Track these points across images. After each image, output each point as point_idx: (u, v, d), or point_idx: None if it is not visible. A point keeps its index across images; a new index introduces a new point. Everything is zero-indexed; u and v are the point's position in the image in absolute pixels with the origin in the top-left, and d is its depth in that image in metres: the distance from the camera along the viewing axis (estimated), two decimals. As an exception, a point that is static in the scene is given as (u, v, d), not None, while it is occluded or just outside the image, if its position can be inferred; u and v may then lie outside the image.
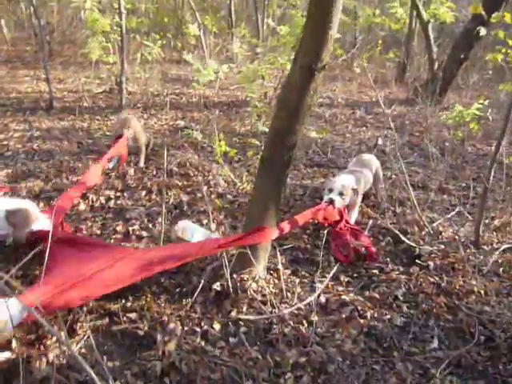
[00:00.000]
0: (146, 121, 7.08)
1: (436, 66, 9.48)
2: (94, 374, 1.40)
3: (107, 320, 2.80)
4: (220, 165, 5.01)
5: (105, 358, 2.51)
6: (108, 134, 6.24)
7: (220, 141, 4.88)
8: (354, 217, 4.21)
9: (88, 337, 2.59)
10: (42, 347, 2.51)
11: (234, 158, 5.42)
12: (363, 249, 3.65)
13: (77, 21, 12.49)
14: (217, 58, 10.51)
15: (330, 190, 3.93)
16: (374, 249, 3.71)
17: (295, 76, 2.76)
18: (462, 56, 8.49)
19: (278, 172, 3.01)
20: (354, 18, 14.47)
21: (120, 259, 2.97)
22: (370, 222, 4.21)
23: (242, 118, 7.40)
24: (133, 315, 2.83)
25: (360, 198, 4.23)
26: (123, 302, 2.95)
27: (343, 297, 3.18)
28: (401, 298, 3.22)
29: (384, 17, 13.12)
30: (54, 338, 2.52)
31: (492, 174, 3.71)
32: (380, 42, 12.52)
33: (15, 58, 11.17)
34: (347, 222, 3.92)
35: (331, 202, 3.85)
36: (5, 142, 5.69)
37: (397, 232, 3.84)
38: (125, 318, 2.80)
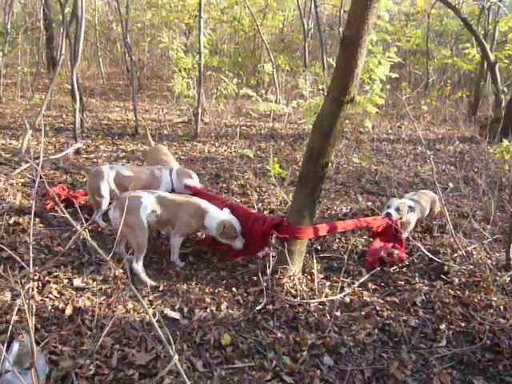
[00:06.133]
0: (217, 148, 7.89)
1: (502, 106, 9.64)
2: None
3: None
4: (274, 185, 5.61)
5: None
6: (182, 157, 7.09)
7: (275, 164, 5.48)
8: (405, 234, 4.68)
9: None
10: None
11: (287, 181, 5.99)
12: (396, 255, 4.22)
13: (164, 59, 13.86)
14: (288, 95, 11.31)
15: (389, 207, 4.52)
16: (404, 255, 4.28)
17: (327, 106, 3.34)
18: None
19: (312, 186, 3.56)
20: (428, 59, 14.81)
21: None
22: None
23: (303, 148, 7.99)
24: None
25: (414, 221, 4.74)
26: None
27: (365, 298, 3.62)
28: (419, 304, 3.60)
29: (456, 58, 13.38)
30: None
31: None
32: (449, 81, 12.73)
33: (109, 91, 12.61)
34: (396, 231, 4.41)
35: (388, 215, 4.41)
36: (94, 160, 6.67)
37: (423, 250, 4.20)
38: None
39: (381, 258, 4.20)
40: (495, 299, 3.69)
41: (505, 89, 10.66)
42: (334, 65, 8.32)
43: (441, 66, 14.79)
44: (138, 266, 3.74)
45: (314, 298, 3.54)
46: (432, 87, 14.39)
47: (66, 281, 3.59)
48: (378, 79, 6.93)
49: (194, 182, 4.79)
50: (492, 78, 10.30)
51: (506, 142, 5.61)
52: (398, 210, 4.43)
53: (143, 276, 3.72)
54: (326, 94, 7.57)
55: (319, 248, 4.47)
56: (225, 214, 3.98)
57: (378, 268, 4.11)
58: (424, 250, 4.18)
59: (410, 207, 4.53)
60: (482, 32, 12.07)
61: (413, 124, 9.68)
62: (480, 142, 8.59)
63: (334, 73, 3.29)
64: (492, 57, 10.02)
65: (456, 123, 11.17)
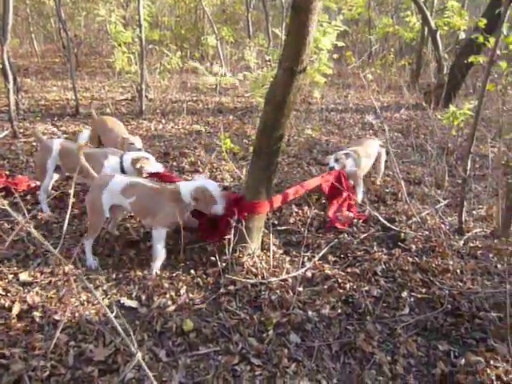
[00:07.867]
0: (164, 125, 7.61)
1: (444, 73, 9.81)
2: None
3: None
4: (226, 161, 5.46)
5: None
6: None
7: (226, 139, 5.33)
8: (359, 195, 4.91)
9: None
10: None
11: (239, 156, 5.86)
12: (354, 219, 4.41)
13: (103, 33, 13.22)
14: (234, 67, 11.07)
15: (327, 164, 4.76)
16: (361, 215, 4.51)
17: (280, 76, 3.20)
18: (465, 63, 8.74)
19: (267, 160, 3.45)
20: (370, 28, 14.89)
21: None
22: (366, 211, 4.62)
23: (253, 122, 7.86)
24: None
25: (362, 174, 4.94)
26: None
27: (327, 271, 3.58)
28: (379, 274, 3.60)
29: (397, 26, 13.50)
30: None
31: (469, 165, 4.05)
32: (392, 49, 12.85)
33: (44, 70, 11.91)
34: (349, 197, 4.60)
35: (331, 168, 4.62)
36: (34, 144, 6.27)
37: (381, 219, 4.21)
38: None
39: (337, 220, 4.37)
40: (451, 263, 3.74)
41: (446, 55, 10.83)
42: (280, 35, 8.16)
43: (383, 35, 14.88)
44: (85, 243, 3.58)
45: (275, 275, 3.47)
46: (375, 56, 14.52)
47: (11, 276, 3.33)
48: (325, 48, 6.85)
49: (156, 166, 4.24)
50: (433, 45, 10.44)
51: (452, 108, 5.67)
52: (336, 160, 4.64)
53: (87, 254, 3.59)
54: (272, 65, 7.48)
55: (276, 223, 4.39)
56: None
57: (336, 240, 4.09)
58: (382, 219, 4.19)
59: (345, 154, 4.71)
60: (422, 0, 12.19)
61: (371, 93, 9.77)
62: (425, 108, 8.71)
63: (285, 42, 3.14)
64: (433, 24, 10.14)
65: (400, 91, 11.31)
